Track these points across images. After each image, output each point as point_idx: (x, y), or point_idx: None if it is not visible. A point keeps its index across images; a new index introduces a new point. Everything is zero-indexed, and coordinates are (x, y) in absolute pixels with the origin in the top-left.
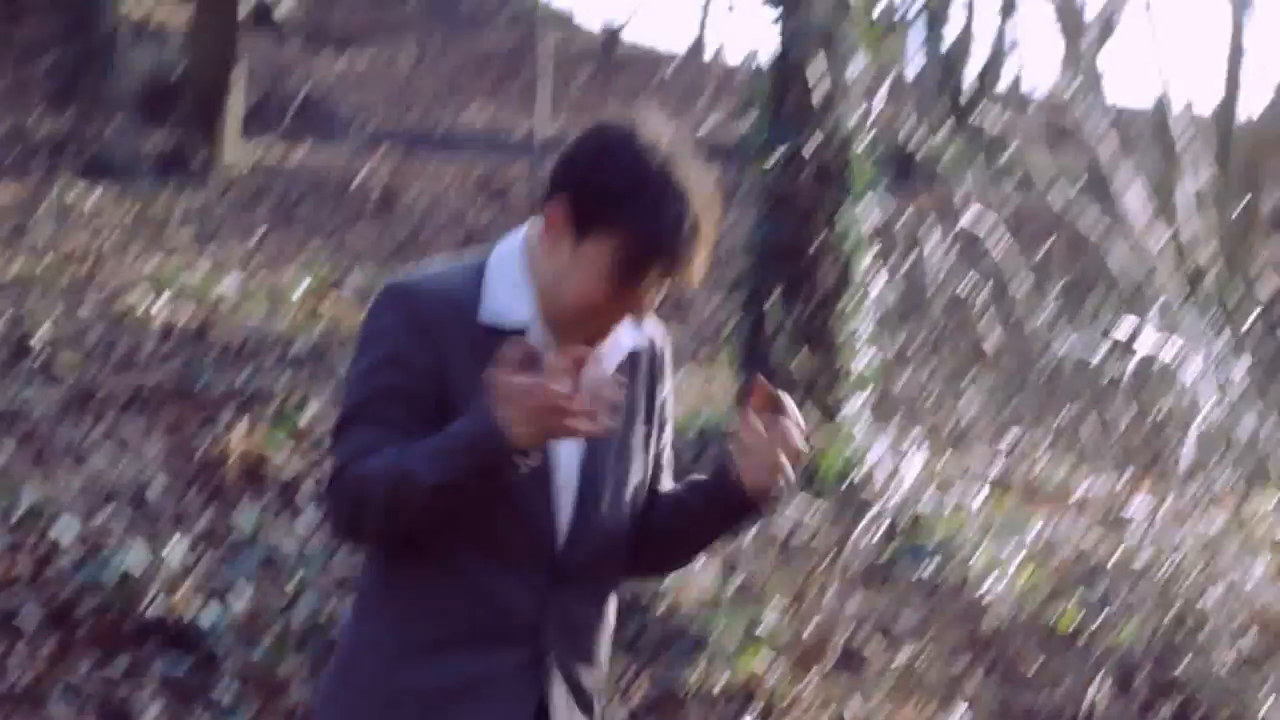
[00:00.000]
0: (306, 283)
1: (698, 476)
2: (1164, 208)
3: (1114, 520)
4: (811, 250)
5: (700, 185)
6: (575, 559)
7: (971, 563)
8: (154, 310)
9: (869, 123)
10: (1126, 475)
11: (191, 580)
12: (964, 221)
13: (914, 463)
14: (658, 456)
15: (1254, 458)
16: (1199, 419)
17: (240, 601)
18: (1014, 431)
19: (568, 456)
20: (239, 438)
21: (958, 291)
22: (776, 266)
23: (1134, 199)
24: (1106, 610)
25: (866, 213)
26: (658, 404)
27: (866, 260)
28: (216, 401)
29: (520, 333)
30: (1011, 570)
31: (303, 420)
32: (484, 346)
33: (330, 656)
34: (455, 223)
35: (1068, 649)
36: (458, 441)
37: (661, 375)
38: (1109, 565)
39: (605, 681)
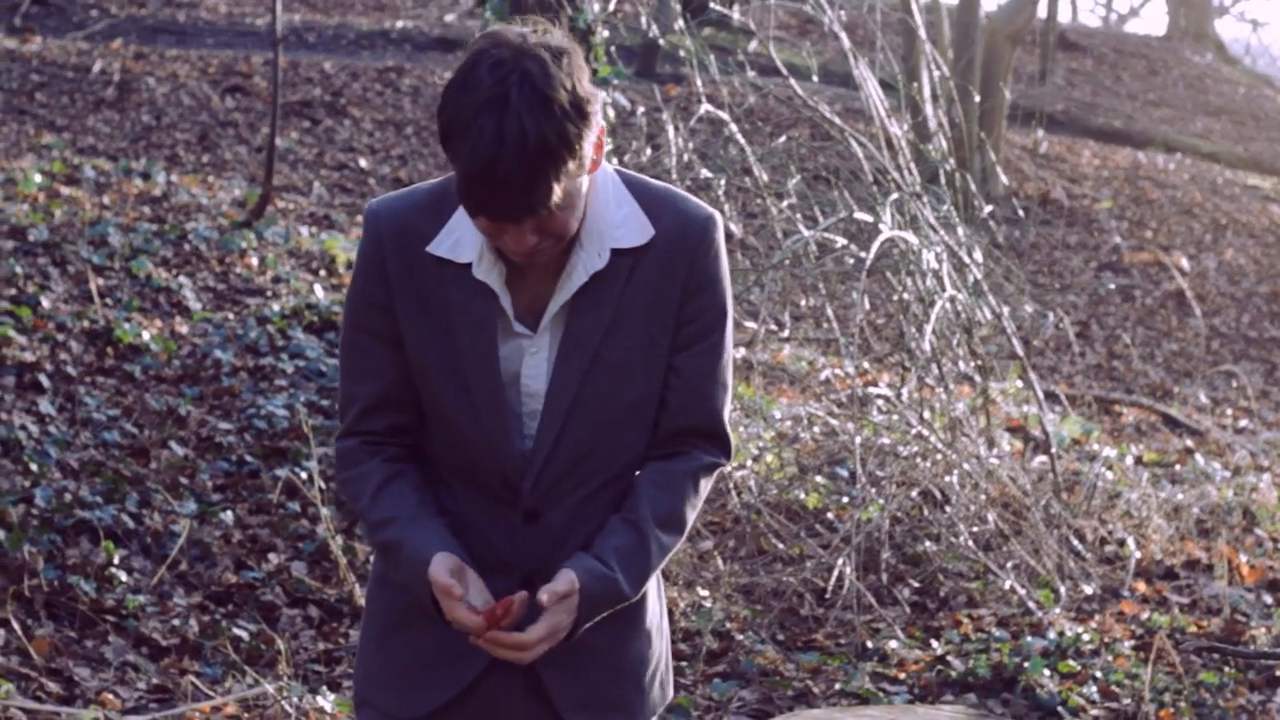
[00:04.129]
0: (42, 173)
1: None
2: (906, 100)
3: (859, 402)
4: None
5: (514, 128)
6: (546, 488)
7: None
8: None
9: (608, 12)
10: (869, 359)
11: None
12: (702, 111)
13: None
14: (678, 366)
15: (993, 343)
16: (939, 304)
17: None
18: (761, 316)
19: (533, 380)
20: None
21: (700, 179)
22: None
23: (874, 90)
24: (853, 490)
25: (607, 103)
26: (672, 307)
27: (607, 149)
28: None
29: (467, 266)
30: (757, 451)
31: (42, 306)
32: (433, 277)
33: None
34: (194, 113)
35: (813, 529)
36: (398, 569)
37: (686, 274)
38: (854, 446)
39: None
